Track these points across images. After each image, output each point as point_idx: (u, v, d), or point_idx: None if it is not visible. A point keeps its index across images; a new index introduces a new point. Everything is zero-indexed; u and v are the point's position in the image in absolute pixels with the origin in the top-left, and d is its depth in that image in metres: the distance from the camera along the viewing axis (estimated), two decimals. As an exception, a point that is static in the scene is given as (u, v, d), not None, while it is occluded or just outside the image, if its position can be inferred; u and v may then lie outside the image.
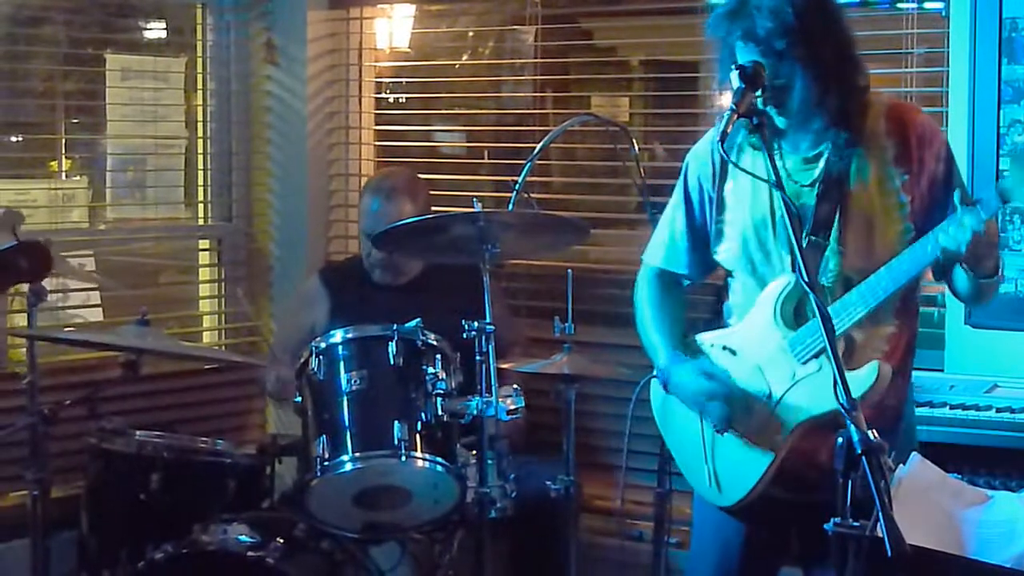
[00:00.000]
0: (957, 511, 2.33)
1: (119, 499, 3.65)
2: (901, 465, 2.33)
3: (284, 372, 3.74)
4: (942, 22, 3.88)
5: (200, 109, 5.00)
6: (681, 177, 2.98)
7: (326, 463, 3.28)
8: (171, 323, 4.88)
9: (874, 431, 2.08)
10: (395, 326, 3.38)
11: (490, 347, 3.16)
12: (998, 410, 3.41)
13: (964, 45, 3.74)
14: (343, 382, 3.37)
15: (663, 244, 3.03)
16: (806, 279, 2.30)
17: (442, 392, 3.33)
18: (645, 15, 4.78)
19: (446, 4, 4.99)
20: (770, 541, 2.97)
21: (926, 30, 3.99)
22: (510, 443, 3.30)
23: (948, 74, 3.82)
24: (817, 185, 2.75)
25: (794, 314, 2.78)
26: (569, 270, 3.49)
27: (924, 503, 2.30)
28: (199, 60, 5.01)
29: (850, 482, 2.08)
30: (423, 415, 3.32)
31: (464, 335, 3.17)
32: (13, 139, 4.73)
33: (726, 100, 2.62)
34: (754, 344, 2.83)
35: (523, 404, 3.27)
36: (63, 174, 4.76)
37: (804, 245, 2.68)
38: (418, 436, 3.30)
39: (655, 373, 3.01)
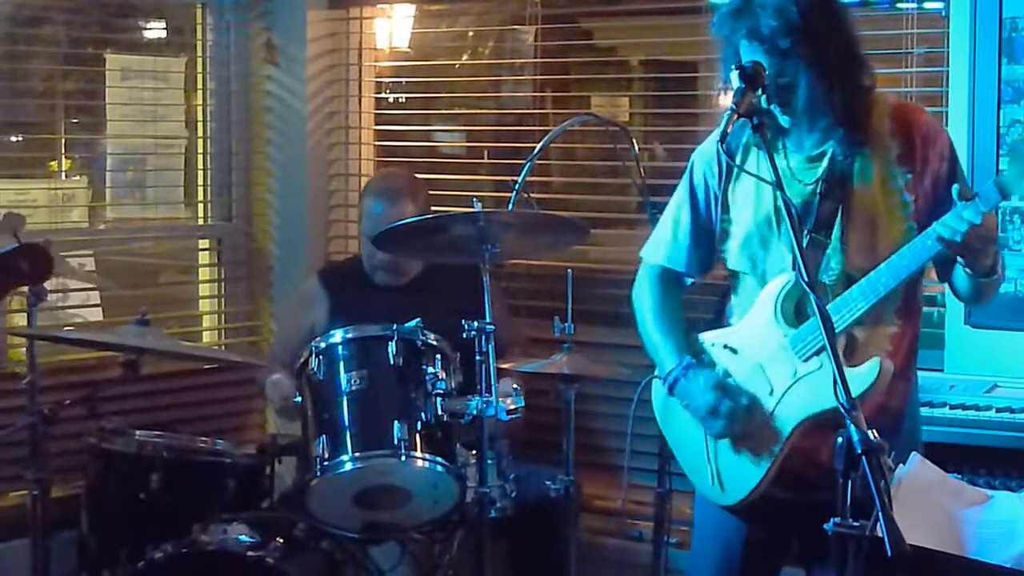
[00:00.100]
0: (957, 511, 2.32)
1: (119, 499, 3.65)
2: (901, 465, 2.33)
3: (286, 388, 3.74)
4: (942, 22, 3.88)
5: (200, 109, 5.00)
6: (686, 175, 2.98)
7: (326, 463, 3.28)
8: (171, 323, 4.88)
9: (874, 431, 2.08)
10: (395, 326, 3.38)
11: (490, 347, 3.16)
12: (998, 410, 3.41)
13: (964, 45, 3.73)
14: (343, 382, 3.37)
15: (665, 242, 3.01)
16: (806, 278, 2.30)
17: (442, 392, 3.33)
18: (645, 15, 4.77)
19: (446, 4, 4.99)
20: (771, 541, 2.97)
21: (926, 30, 3.99)
22: (509, 436, 3.31)
23: (948, 74, 3.82)
24: (820, 183, 2.75)
25: (795, 312, 2.78)
26: (569, 270, 3.49)
27: (924, 503, 2.30)
28: (199, 60, 5.01)
29: (850, 482, 2.08)
30: (423, 415, 3.32)
31: (464, 335, 3.16)
32: (13, 139, 4.73)
33: (730, 99, 2.62)
34: (755, 342, 2.83)
35: (523, 404, 3.26)
36: (63, 174, 4.75)
37: (806, 243, 2.69)
38: (418, 436, 3.30)
39: (658, 373, 3.00)
